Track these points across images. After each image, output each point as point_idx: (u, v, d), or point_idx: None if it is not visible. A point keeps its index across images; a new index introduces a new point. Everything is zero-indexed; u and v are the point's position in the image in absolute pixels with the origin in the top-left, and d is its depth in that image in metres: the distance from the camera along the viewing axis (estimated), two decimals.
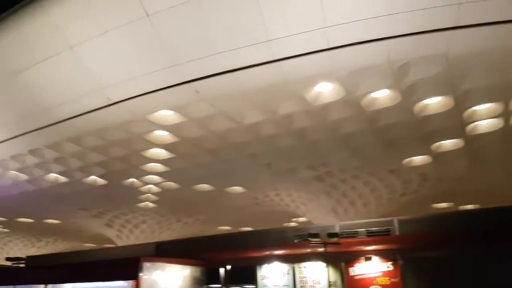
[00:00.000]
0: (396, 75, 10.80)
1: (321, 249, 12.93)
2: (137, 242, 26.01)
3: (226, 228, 26.81)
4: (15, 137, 15.25)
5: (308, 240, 12.38)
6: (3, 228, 30.39)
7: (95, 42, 10.98)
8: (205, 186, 20.34)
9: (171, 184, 20.16)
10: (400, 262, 13.78)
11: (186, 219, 26.31)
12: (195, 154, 16.44)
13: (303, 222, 25.82)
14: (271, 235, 14.92)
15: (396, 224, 13.78)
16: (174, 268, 15.05)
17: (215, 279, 15.59)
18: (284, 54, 10.27)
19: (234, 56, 10.38)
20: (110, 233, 27.66)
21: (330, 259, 12.86)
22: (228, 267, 15.46)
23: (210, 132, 14.54)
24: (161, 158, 16.82)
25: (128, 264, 14.01)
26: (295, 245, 13.96)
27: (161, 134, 14.92)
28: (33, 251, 33.21)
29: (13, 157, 17.31)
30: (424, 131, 14.28)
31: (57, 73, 12.25)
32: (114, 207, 24.45)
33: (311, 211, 23.15)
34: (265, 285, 14.65)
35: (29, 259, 23.13)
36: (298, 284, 14.06)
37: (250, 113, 13.18)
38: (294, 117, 13.23)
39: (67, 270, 16.08)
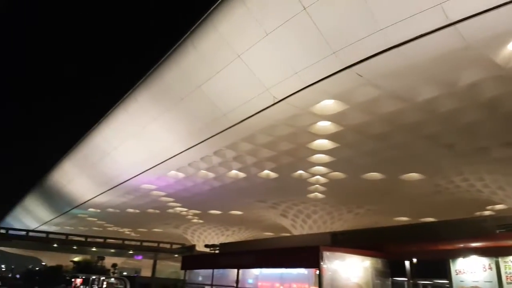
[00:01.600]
0: None
1: None
2: (311, 232, 26.85)
3: (403, 219, 24.87)
4: (202, 142, 17.77)
5: None
6: (198, 219, 36.20)
7: (258, 46, 11.74)
8: (375, 175, 19.34)
9: (338, 174, 19.97)
10: None
11: (357, 210, 25.71)
12: (361, 142, 15.80)
13: (501, 210, 21.75)
14: (464, 225, 12.96)
15: None
16: (354, 258, 14.75)
17: (400, 272, 14.57)
18: (460, 16, 8.73)
19: (400, 29, 9.38)
20: (286, 222, 29.48)
21: None
22: (414, 260, 14.22)
23: (376, 116, 13.68)
24: (325, 148, 16.83)
25: (308, 252, 14.38)
26: (499, 237, 11.74)
27: (324, 125, 14.88)
28: (223, 239, 38.41)
29: (202, 159, 20.28)
30: None
31: (229, 81, 13.69)
32: (287, 198, 25.90)
33: None
34: (462, 281, 12.78)
35: (221, 246, 26.61)
36: (504, 281, 11.77)
37: (423, 89, 11.74)
38: (481, 86, 11.12)
39: (255, 257, 17.69)
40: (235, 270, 18.04)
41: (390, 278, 14.89)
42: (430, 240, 13.33)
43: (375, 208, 25.22)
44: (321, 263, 13.41)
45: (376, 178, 19.54)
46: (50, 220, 42.03)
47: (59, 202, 35.11)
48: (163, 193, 27.27)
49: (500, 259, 12.09)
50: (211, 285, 20.05)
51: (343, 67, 10.88)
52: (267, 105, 13.51)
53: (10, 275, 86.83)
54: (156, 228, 40.88)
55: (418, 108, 12.62)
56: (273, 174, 21.04)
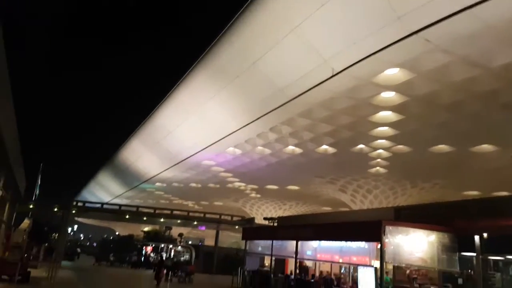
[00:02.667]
0: None
1: None
2: (371, 207, 26.28)
3: (473, 193, 23.26)
4: (258, 118, 17.89)
5: None
6: (256, 194, 37.07)
7: (314, 17, 11.35)
8: (442, 147, 18.16)
9: (402, 148, 19.07)
10: None
11: (423, 184, 24.49)
12: (428, 113, 14.84)
13: None
14: None
15: None
16: (418, 233, 14.32)
17: (469, 247, 13.86)
18: None
19: None
20: (345, 197, 29.11)
21: None
22: (485, 235, 13.42)
23: (446, 85, 12.71)
24: (389, 121, 16.08)
25: (370, 227, 14.27)
26: None
27: (388, 96, 14.16)
28: (280, 213, 39.04)
29: (259, 135, 20.51)
30: None
31: (286, 55, 13.48)
32: (346, 174, 25.44)
33: None
34: None
35: (279, 219, 27.14)
36: None
37: (499, 53, 10.65)
38: None
39: (314, 230, 17.92)
40: (294, 242, 18.55)
41: (458, 253, 14.31)
42: (503, 215, 12.46)
43: (442, 183, 23.84)
44: (383, 238, 13.29)
45: (445, 151, 18.35)
46: (122, 194, 45.72)
47: (128, 177, 37.93)
48: (222, 169, 28.20)
49: None
50: (271, 254, 20.89)
51: (409, 32, 10.16)
52: (326, 78, 13.13)
53: (88, 244, 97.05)
54: (217, 202, 42.68)
55: (493, 74, 11.52)
56: (331, 149, 20.68)
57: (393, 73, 12.61)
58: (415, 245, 14.20)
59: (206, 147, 23.27)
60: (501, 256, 14.03)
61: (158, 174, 32.12)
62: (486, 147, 17.48)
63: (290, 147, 21.55)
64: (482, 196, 20.13)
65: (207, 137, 22.10)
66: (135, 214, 36.31)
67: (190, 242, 49.57)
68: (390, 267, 15.61)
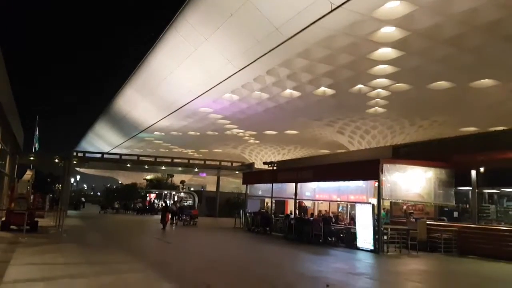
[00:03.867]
0: None
1: None
2: (368, 147, 26.53)
3: (471, 129, 23.35)
4: (255, 61, 17.38)
5: None
6: (254, 140, 37.31)
7: None
8: (442, 84, 17.87)
9: (402, 86, 18.78)
10: None
11: (421, 122, 24.49)
12: (430, 48, 14.37)
13: None
14: None
15: None
16: (416, 170, 14.58)
17: (465, 181, 14.20)
18: None
19: None
20: (342, 139, 29.31)
21: None
22: (481, 169, 13.67)
23: (448, 17, 12.16)
24: (389, 58, 15.66)
25: (368, 166, 14.47)
26: None
27: (388, 31, 13.61)
28: (279, 158, 39.56)
29: (256, 79, 20.08)
30: None
31: None
32: (344, 115, 25.35)
33: None
34: None
35: (278, 163, 27.60)
36: None
37: None
38: None
39: (313, 171, 18.24)
40: (293, 184, 19.00)
41: (454, 188, 14.70)
42: (499, 149, 12.59)
43: (441, 120, 23.84)
44: (381, 176, 13.56)
45: (444, 87, 18.10)
46: (121, 144, 45.95)
47: (126, 127, 37.86)
48: (219, 116, 28.06)
49: None
50: (271, 197, 21.52)
51: None
52: (324, 13, 12.53)
53: (91, 194, 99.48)
54: (216, 149, 43.09)
55: (496, 4, 11.00)
56: (329, 91, 20.40)
57: (394, 6, 12.03)
58: (412, 181, 14.54)
59: (202, 94, 22.92)
60: (496, 189, 14.43)
61: (156, 123, 32.01)
62: (486, 81, 17.22)
63: (288, 91, 21.24)
64: (479, 131, 20.18)
65: (202, 83, 21.66)
66: (136, 163, 36.71)
67: (192, 189, 50.95)
68: (387, 203, 16.14)
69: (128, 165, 36.67)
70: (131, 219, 28.63)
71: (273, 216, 20.43)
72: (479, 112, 21.56)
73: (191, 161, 37.96)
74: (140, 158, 37.30)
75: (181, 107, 26.37)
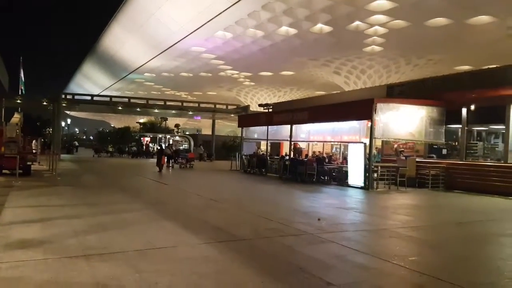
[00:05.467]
0: None
1: None
2: (364, 87, 26.34)
3: (465, 68, 23.13)
4: None
5: None
6: (250, 82, 36.70)
7: None
8: (441, 20, 17.32)
9: (400, 23, 18.19)
10: None
11: (417, 61, 24.08)
12: None
13: None
14: None
15: None
16: (409, 109, 14.62)
17: (456, 119, 14.37)
18: None
19: None
20: (338, 80, 28.95)
21: None
22: (472, 106, 13.76)
23: None
24: None
25: (362, 105, 14.43)
26: None
27: None
28: (275, 100, 39.27)
29: (250, 15, 19.25)
30: None
31: None
32: (341, 54, 24.78)
33: None
34: None
35: (274, 105, 27.41)
36: None
37: None
38: None
39: (308, 113, 18.23)
40: (288, 126, 19.08)
41: (444, 126, 14.93)
42: (491, 86, 12.56)
43: (437, 58, 23.47)
44: (374, 115, 13.60)
45: (442, 24, 17.58)
46: (111, 85, 45.03)
47: (115, 67, 36.87)
48: (213, 56, 27.31)
49: None
50: (267, 139, 21.73)
51: None
52: None
53: (84, 137, 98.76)
54: (210, 92, 42.54)
55: None
56: (327, 28, 19.72)
57: None
58: (405, 120, 14.66)
59: (194, 31, 22.07)
60: (484, 127, 14.67)
61: (146, 63, 31.19)
62: (483, 18, 16.69)
63: (284, 28, 20.50)
64: (473, 70, 20.02)
65: (193, 19, 20.75)
66: (128, 105, 36.13)
67: (187, 133, 50.97)
68: (379, 142, 16.43)
69: (120, 108, 36.16)
70: (126, 162, 28.94)
71: (268, 158, 20.80)
72: (474, 50, 21.21)
73: (184, 104, 37.58)
74: (132, 100, 36.71)
75: (172, 45, 25.54)
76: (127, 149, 38.46)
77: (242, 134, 24.51)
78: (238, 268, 4.28)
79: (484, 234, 6.98)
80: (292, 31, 20.48)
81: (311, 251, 5.09)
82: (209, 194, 11.33)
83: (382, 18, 17.69)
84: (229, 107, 37.70)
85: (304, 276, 4.01)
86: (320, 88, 35.77)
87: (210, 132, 42.21)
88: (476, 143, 14.73)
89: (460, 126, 14.47)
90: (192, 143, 38.33)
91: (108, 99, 35.80)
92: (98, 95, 43.26)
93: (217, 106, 37.27)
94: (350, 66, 26.31)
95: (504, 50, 19.66)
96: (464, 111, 14.19)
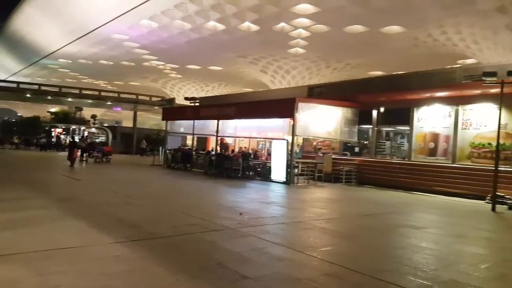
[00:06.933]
0: None
1: (495, 90, 11.09)
2: (288, 87, 27.40)
3: (377, 73, 25.42)
4: None
5: (481, 80, 10.62)
6: (176, 74, 35.75)
7: None
8: (358, 28, 18.78)
9: (321, 27, 19.28)
10: None
11: (336, 64, 25.80)
12: None
13: (470, 65, 22.45)
14: (434, 76, 13.38)
15: None
16: (327, 109, 15.57)
17: (367, 120, 15.71)
18: None
19: None
20: (265, 78, 29.67)
21: (506, 100, 10.87)
22: (381, 109, 15.17)
23: None
24: None
25: (285, 104, 15.01)
26: (464, 86, 12.29)
27: None
28: (202, 94, 38.80)
29: (177, 6, 18.74)
30: None
31: None
32: (267, 53, 25.43)
33: (484, 51, 19.64)
34: (421, 127, 14.08)
35: (201, 99, 27.08)
36: (460, 126, 13.01)
37: None
38: None
39: (235, 108, 18.35)
40: (215, 121, 19.01)
41: (357, 126, 16.30)
42: (399, 90, 14.00)
43: (353, 63, 25.41)
44: (296, 114, 14.24)
45: (359, 31, 19.10)
46: (19, 71, 40.46)
47: (26, 51, 33.21)
48: (136, 45, 26.06)
49: (460, 107, 13.15)
50: (193, 134, 21.37)
51: None
52: None
53: None
54: (133, 82, 40.51)
55: None
56: (254, 27, 20.08)
57: None
58: (323, 119, 15.62)
59: (117, 17, 20.81)
60: (392, 127, 16.29)
61: (61, 48, 28.58)
62: (394, 28, 18.53)
63: (212, 23, 20.35)
64: (384, 75, 22.13)
65: (116, 5, 19.56)
66: (38, 93, 32.77)
67: (106, 125, 47.80)
68: (300, 140, 17.24)
69: (28, 95, 32.66)
70: (34, 155, 26.25)
71: (194, 153, 20.48)
72: (386, 56, 23.41)
73: (102, 93, 35.18)
74: (42, 87, 33.36)
75: (91, 31, 23.76)
76: (35, 140, 34.85)
77: (166, 127, 23.76)
78: (151, 266, 4.14)
79: (388, 225, 7.72)
80: (220, 26, 20.48)
81: (231, 245, 5.15)
82: (127, 190, 10.77)
83: (305, 21, 18.56)
84: (153, 99, 36.32)
85: (221, 270, 4.04)
86: (248, 85, 36.29)
87: (132, 125, 40.19)
88: (385, 142, 16.25)
89: (371, 126, 15.82)
90: (110, 135, 36.06)
91: (15, 85, 32.03)
92: (3, 81, 38.52)
93: (140, 97, 35.64)
94: (276, 66, 27.16)
95: (411, 58, 22.00)
96: (374, 112, 15.54)
